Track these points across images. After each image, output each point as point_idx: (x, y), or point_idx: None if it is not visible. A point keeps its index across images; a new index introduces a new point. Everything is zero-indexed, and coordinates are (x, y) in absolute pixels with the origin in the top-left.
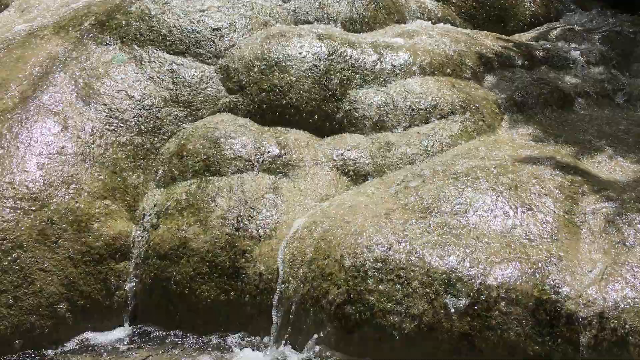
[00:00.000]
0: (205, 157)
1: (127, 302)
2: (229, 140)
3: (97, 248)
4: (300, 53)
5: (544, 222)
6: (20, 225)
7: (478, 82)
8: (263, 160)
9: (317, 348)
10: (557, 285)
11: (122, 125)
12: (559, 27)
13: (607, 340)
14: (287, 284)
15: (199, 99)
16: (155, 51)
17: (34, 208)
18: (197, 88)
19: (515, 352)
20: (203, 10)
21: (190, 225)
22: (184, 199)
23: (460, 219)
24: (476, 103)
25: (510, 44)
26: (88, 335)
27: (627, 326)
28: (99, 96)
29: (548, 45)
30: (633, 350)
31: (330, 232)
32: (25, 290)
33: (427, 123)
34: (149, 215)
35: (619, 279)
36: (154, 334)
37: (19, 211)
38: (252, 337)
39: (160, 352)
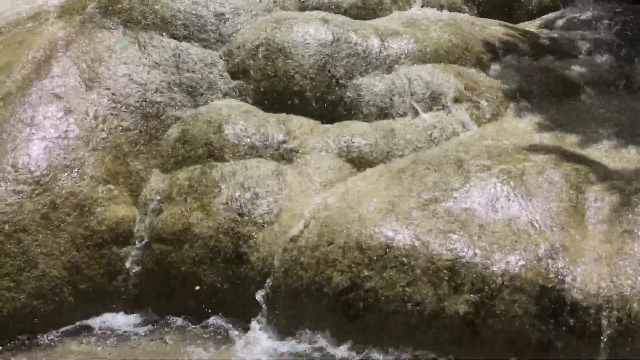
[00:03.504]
0: (208, 142)
1: (130, 286)
2: (232, 126)
3: (100, 232)
4: (305, 39)
5: (548, 211)
6: (23, 208)
7: (483, 70)
8: (267, 147)
9: (319, 335)
10: (561, 274)
11: (125, 109)
12: (565, 15)
13: (611, 329)
14: (289, 271)
15: (203, 84)
16: (159, 36)
17: (37, 192)
18: (201, 73)
19: (519, 339)
20: None
21: (194, 211)
22: (187, 185)
23: (465, 206)
24: (481, 91)
25: (516, 32)
26: (91, 319)
27: (632, 315)
28: (102, 80)
29: (554, 34)
30: (638, 338)
31: (334, 219)
32: (28, 274)
33: (432, 110)
34: (152, 200)
35: (624, 268)
36: (157, 319)
37: (22, 195)
38: (254, 323)
39: (162, 337)
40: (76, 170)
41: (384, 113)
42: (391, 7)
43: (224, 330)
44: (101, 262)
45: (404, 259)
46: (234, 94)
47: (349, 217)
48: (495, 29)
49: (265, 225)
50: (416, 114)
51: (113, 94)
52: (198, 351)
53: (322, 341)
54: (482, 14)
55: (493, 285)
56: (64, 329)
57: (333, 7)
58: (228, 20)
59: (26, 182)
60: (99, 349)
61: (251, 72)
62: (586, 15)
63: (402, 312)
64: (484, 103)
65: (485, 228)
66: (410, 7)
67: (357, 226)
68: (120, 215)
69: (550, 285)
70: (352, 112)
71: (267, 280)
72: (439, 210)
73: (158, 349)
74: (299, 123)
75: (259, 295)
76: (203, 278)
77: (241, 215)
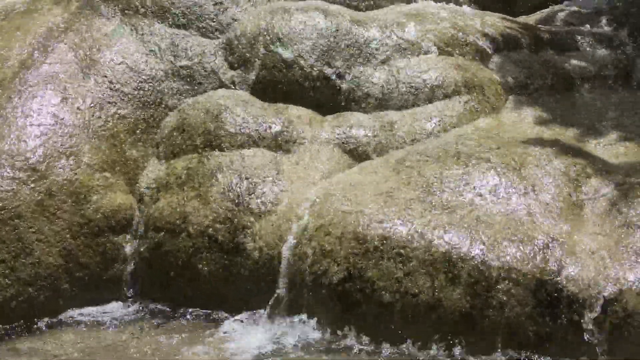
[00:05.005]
0: (206, 131)
1: (125, 275)
2: (230, 116)
3: (96, 220)
4: (304, 29)
5: (546, 204)
6: (18, 195)
7: (483, 62)
8: (264, 136)
9: (315, 325)
10: (559, 267)
11: (122, 98)
12: (566, 9)
13: (608, 322)
14: (286, 261)
15: (201, 73)
16: (157, 24)
17: (32, 179)
18: (198, 62)
19: (516, 331)
20: None
21: (191, 200)
22: (185, 173)
23: (463, 198)
24: (481, 84)
25: (516, 25)
26: (86, 307)
27: (628, 308)
28: (99, 68)
29: (554, 28)
30: (634, 332)
31: (331, 210)
32: (24, 261)
33: (431, 102)
34: (149, 188)
35: (621, 261)
36: (152, 308)
37: (17, 181)
38: (250, 313)
39: (157, 327)
40: (72, 157)
41: (382, 104)
42: None
43: (220, 320)
44: (97, 250)
45: (401, 250)
46: (232, 83)
47: (347, 208)
48: (495, 21)
49: (262, 215)
50: (415, 105)
51: (110, 82)
52: (193, 340)
53: (319, 331)
54: (482, 6)
55: (490, 278)
56: (60, 316)
57: None
58: (227, 9)
59: (22, 168)
60: (95, 337)
61: (250, 61)
62: (586, 9)
63: (398, 303)
64: (483, 96)
65: (483, 220)
66: None
67: (354, 217)
68: (117, 203)
69: (547, 278)
70: (351, 103)
71: (264, 270)
72: (436, 202)
73: (154, 339)
74: (297, 113)
75: (256, 285)
76: (199, 267)
77: (238, 205)
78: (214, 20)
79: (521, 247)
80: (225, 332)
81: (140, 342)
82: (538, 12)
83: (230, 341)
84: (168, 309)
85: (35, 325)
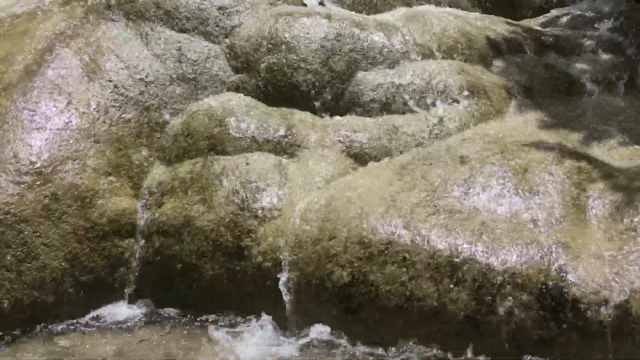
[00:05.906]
0: (210, 136)
1: (130, 279)
2: (234, 120)
3: (101, 224)
4: (307, 33)
5: (550, 208)
6: (24, 199)
7: (486, 66)
8: (269, 140)
9: (318, 329)
10: (563, 271)
11: (127, 102)
12: (569, 13)
13: (612, 327)
14: (290, 265)
15: (205, 77)
16: (161, 28)
17: (38, 183)
18: (203, 67)
19: (520, 335)
20: None
21: (195, 204)
22: (189, 178)
23: (467, 202)
24: (484, 87)
25: (519, 29)
26: (91, 311)
27: (633, 314)
28: (104, 72)
29: (558, 31)
30: (639, 337)
31: (335, 214)
32: (29, 265)
33: (435, 106)
34: (154, 193)
35: (626, 266)
36: (157, 311)
37: (23, 186)
38: (253, 317)
39: (161, 331)
40: (78, 161)
41: (386, 108)
42: (394, 2)
43: (223, 324)
44: (102, 254)
45: (406, 255)
46: (236, 87)
47: (351, 212)
48: (498, 25)
49: (267, 219)
50: (418, 109)
51: (115, 86)
52: (197, 344)
53: (322, 335)
54: (485, 10)
55: (494, 282)
56: (64, 320)
57: (337, 1)
58: (231, 13)
59: (27, 173)
60: (99, 340)
61: (253, 66)
62: (590, 12)
63: (402, 308)
64: (486, 100)
65: (487, 224)
66: (413, 3)
67: (358, 221)
68: (122, 207)
69: (551, 282)
70: (355, 107)
71: (268, 274)
72: (440, 206)
73: (158, 342)
74: (301, 117)
75: (260, 289)
76: (204, 271)
77: (242, 209)
78: (218, 24)
79: (525, 252)
80: (228, 336)
81: (145, 346)
82: (541, 16)
83: (232, 345)
84: (173, 312)
85: (40, 330)
